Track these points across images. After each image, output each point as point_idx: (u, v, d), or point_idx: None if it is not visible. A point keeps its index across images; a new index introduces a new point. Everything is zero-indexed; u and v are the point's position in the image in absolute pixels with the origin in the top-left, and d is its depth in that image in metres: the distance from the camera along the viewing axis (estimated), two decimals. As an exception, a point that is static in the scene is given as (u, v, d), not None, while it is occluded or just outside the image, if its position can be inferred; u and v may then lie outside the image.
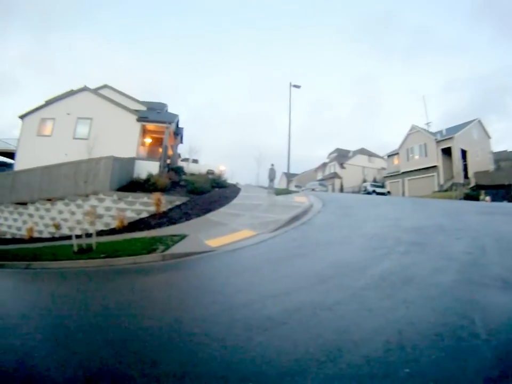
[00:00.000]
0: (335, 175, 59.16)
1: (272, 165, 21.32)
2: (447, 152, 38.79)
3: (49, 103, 28.30)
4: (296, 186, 48.62)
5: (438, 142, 39.77)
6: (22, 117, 27.79)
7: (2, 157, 33.91)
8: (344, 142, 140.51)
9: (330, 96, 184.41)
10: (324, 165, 68.52)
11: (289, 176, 31.75)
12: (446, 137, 39.24)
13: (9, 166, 34.04)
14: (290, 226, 12.22)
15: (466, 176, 36.39)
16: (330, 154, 70.23)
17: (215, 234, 12.03)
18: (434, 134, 42.46)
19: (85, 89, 28.09)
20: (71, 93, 28.28)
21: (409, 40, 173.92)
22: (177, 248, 10.87)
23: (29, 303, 6.56)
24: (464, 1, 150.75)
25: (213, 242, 10.84)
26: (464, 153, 38.00)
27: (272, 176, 21.21)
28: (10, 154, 30.22)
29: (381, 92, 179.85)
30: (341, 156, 63.84)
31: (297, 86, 28.11)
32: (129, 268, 9.97)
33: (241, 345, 3.47)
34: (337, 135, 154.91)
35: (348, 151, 65.97)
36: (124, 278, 9.20)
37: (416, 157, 42.60)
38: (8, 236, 20.18)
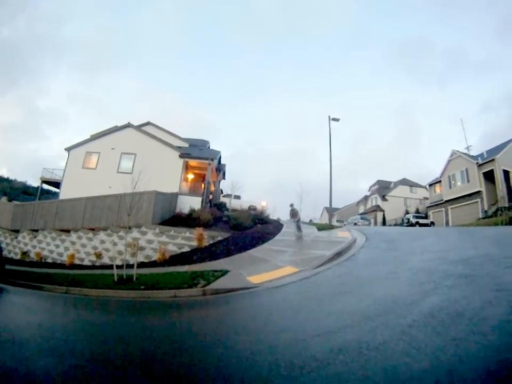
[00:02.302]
0: (377, 208, 58.70)
1: (292, 205, 20.57)
2: (489, 175, 37.12)
3: (94, 137, 30.38)
4: (338, 221, 48.38)
5: (479, 165, 38.15)
6: (68, 150, 29.93)
7: (48, 186, 36.06)
8: (385, 173, 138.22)
9: (369, 127, 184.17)
10: (366, 198, 68.29)
11: (331, 211, 31.81)
12: (487, 160, 37.54)
13: (54, 194, 36.72)
14: (333, 263, 12.18)
15: (511, 199, 34.15)
16: (371, 186, 69.69)
17: (257, 270, 12.07)
18: (475, 157, 40.74)
19: (128, 125, 30.05)
20: (116, 129, 30.27)
21: (442, 63, 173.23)
22: (218, 284, 10.94)
23: (65, 328, 6.68)
24: (488, 17, 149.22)
25: (255, 279, 10.89)
26: (507, 174, 35.88)
27: (294, 217, 19.86)
28: (56, 184, 32.42)
29: (419, 118, 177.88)
30: (382, 188, 63.38)
31: (336, 119, 28.02)
32: (169, 301, 10.17)
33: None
34: (378, 166, 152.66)
35: (389, 183, 65.41)
36: (163, 311, 9.35)
37: (459, 183, 41.04)
38: (49, 260, 21.29)
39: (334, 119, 27.84)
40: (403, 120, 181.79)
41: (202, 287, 10.70)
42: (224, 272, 12.33)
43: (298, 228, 17.58)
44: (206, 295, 10.17)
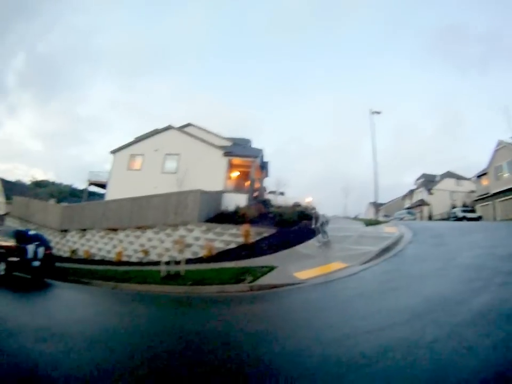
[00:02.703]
0: (422, 202, 57.42)
1: (314, 208, 19.92)
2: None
3: (137, 140, 31.49)
4: (384, 216, 47.47)
5: (527, 154, 35.80)
6: (113, 152, 31.34)
7: (94, 187, 37.35)
8: (429, 166, 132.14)
9: (412, 119, 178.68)
10: (411, 192, 66.80)
11: (376, 206, 31.30)
12: (534, 147, 34.87)
13: (100, 195, 38.17)
14: (381, 258, 12.06)
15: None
16: (417, 180, 68.10)
17: (304, 266, 11.99)
18: (522, 146, 38.54)
19: (170, 127, 30.81)
20: (157, 132, 31.16)
21: (481, 49, 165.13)
22: (265, 280, 10.95)
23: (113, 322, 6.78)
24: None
25: (302, 275, 10.82)
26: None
27: (316, 221, 17.67)
28: (102, 185, 33.67)
29: (461, 108, 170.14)
30: (428, 181, 61.77)
31: (377, 112, 27.76)
32: (216, 296, 10.26)
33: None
34: (422, 159, 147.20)
35: (435, 176, 63.71)
36: (211, 306, 9.41)
37: (506, 175, 38.47)
38: (98, 258, 22.12)
39: (375, 112, 27.43)
40: (445, 110, 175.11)
41: (249, 282, 10.75)
42: (271, 268, 12.30)
43: (324, 233, 16.59)
44: (253, 291, 10.21)
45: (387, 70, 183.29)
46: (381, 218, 34.74)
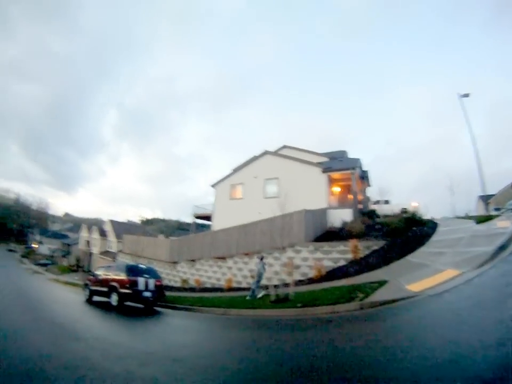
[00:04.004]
0: None
1: (262, 258, 18.26)
2: None
3: (236, 170, 33.41)
4: (495, 209, 44.49)
5: None
6: (213, 186, 34.00)
7: (200, 220, 40.24)
8: None
9: (505, 98, 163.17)
10: None
11: (485, 199, 29.61)
12: None
13: (206, 226, 41.38)
14: (497, 259, 11.51)
15: None
16: None
17: (416, 277, 11.80)
18: None
19: (265, 153, 32.25)
20: (254, 159, 32.73)
21: None
22: (376, 296, 10.88)
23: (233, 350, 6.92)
24: None
25: (414, 287, 10.66)
26: None
27: (259, 274, 17.50)
28: (207, 217, 36.48)
29: None
30: None
31: (466, 95, 26.89)
32: (326, 317, 10.31)
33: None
34: None
35: None
36: (320, 328, 9.55)
37: None
38: (208, 285, 23.56)
39: (464, 96, 26.40)
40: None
41: (360, 300, 10.77)
42: (382, 283, 12.30)
43: (256, 287, 16.47)
44: (364, 309, 10.21)
45: (469, 52, 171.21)
46: (492, 212, 32.89)
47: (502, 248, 12.63)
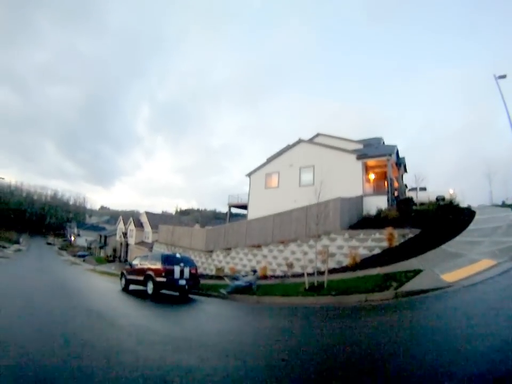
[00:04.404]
0: None
1: (255, 271, 18.91)
2: None
3: (270, 159, 33.68)
4: None
5: None
6: (248, 175, 34.40)
7: (235, 209, 41.29)
8: None
9: None
10: None
11: None
12: None
13: (241, 216, 42.39)
14: None
15: None
16: None
17: (451, 267, 11.78)
18: None
19: (300, 141, 32.33)
20: (288, 148, 32.91)
21: None
22: (410, 285, 10.94)
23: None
24: None
25: (449, 277, 10.67)
26: None
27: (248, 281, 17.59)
28: (242, 206, 37.34)
29: None
30: None
31: (502, 76, 25.51)
32: (359, 306, 10.44)
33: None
34: None
35: None
36: (352, 317, 9.68)
37: None
38: (243, 273, 23.34)
39: (500, 77, 25.76)
40: None
41: (394, 289, 10.86)
42: (416, 272, 12.30)
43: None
44: (398, 298, 10.30)
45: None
46: None
47: (541, 238, 12.18)
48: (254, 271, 18.53)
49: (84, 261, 69.18)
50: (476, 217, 19.26)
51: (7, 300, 12.62)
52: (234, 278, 17.96)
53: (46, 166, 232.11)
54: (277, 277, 20.61)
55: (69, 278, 29.20)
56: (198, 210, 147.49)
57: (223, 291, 16.53)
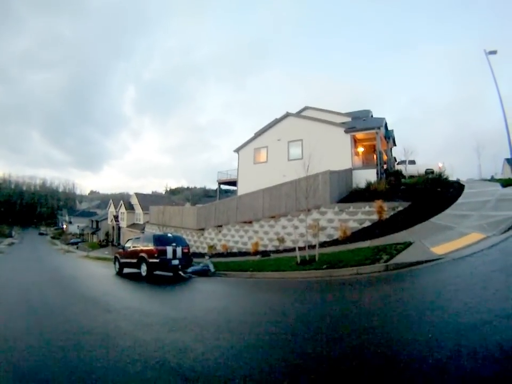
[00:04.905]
0: None
1: (210, 256, 20.25)
2: None
3: (258, 134, 33.39)
4: None
5: None
6: (237, 151, 34.20)
7: (225, 186, 41.32)
8: None
9: None
10: None
11: None
12: None
13: (232, 192, 42.57)
14: None
15: None
16: None
17: (441, 239, 11.87)
18: None
19: (288, 115, 32.02)
20: (276, 121, 32.57)
21: None
22: (401, 257, 10.99)
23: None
24: None
25: (439, 249, 10.73)
26: None
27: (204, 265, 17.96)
28: (232, 183, 37.23)
29: None
30: None
31: (493, 52, 25.94)
32: (351, 279, 10.45)
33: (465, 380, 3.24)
34: None
35: None
36: (344, 289, 9.73)
37: None
38: (235, 250, 24.12)
39: (491, 53, 25.55)
40: None
41: (384, 262, 10.91)
42: (406, 245, 12.36)
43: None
44: (388, 270, 10.35)
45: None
46: None
47: (529, 213, 12.32)
48: (209, 256, 19.11)
49: (77, 248, 69.13)
50: (465, 191, 19.35)
51: (4, 292, 12.93)
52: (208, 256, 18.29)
53: (33, 156, 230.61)
54: (268, 252, 20.75)
55: (64, 266, 29.35)
56: (188, 188, 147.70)
57: (182, 274, 16.76)
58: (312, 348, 4.82)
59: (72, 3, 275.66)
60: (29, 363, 4.91)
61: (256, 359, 4.59)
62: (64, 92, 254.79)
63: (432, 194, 19.02)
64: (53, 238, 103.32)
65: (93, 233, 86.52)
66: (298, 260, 13.87)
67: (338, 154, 26.98)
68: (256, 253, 21.27)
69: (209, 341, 5.52)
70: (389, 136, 35.02)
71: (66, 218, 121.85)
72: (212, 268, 16.90)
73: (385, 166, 29.66)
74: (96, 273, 23.17)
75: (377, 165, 26.71)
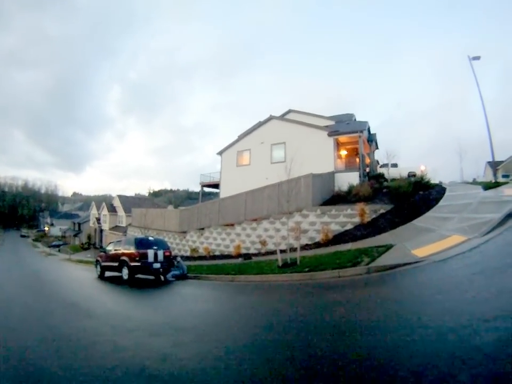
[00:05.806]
0: None
1: (180, 258, 19.14)
2: None
3: (242, 137, 33.45)
4: (503, 176, 43.90)
5: None
6: (220, 153, 34.20)
7: (208, 188, 41.15)
8: None
9: None
10: None
11: (494, 165, 29.44)
12: None
13: (215, 194, 42.19)
14: (504, 227, 11.49)
15: None
16: None
17: (422, 242, 11.95)
18: None
19: (271, 118, 32.09)
20: (260, 124, 32.59)
21: None
22: (382, 260, 11.00)
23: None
24: None
25: (420, 252, 10.78)
26: None
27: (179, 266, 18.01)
28: (215, 185, 37.13)
29: None
30: None
31: (476, 58, 25.84)
32: (332, 281, 10.43)
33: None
34: None
35: None
36: (324, 293, 9.66)
37: None
38: (217, 253, 24.02)
39: (474, 58, 25.85)
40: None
41: (366, 264, 10.88)
42: (388, 247, 12.41)
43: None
44: (370, 273, 10.34)
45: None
46: (500, 179, 32.88)
47: (510, 215, 12.62)
48: (178, 260, 18.28)
49: (59, 250, 68.41)
50: (447, 193, 19.40)
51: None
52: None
53: (15, 156, 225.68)
54: (250, 255, 20.82)
55: (45, 269, 29.08)
56: (171, 190, 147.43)
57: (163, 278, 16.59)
58: (290, 352, 4.79)
59: (59, 1, 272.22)
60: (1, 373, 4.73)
61: (235, 364, 4.50)
62: (49, 92, 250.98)
63: (414, 197, 19.11)
64: (35, 240, 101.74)
65: (75, 235, 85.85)
66: (280, 263, 13.79)
67: (321, 157, 27.01)
68: (238, 255, 21.19)
69: (189, 345, 5.49)
70: (371, 140, 35.20)
71: (48, 220, 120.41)
72: (185, 269, 17.05)
73: (367, 169, 29.85)
74: (77, 276, 22.87)
75: (359, 168, 26.78)
